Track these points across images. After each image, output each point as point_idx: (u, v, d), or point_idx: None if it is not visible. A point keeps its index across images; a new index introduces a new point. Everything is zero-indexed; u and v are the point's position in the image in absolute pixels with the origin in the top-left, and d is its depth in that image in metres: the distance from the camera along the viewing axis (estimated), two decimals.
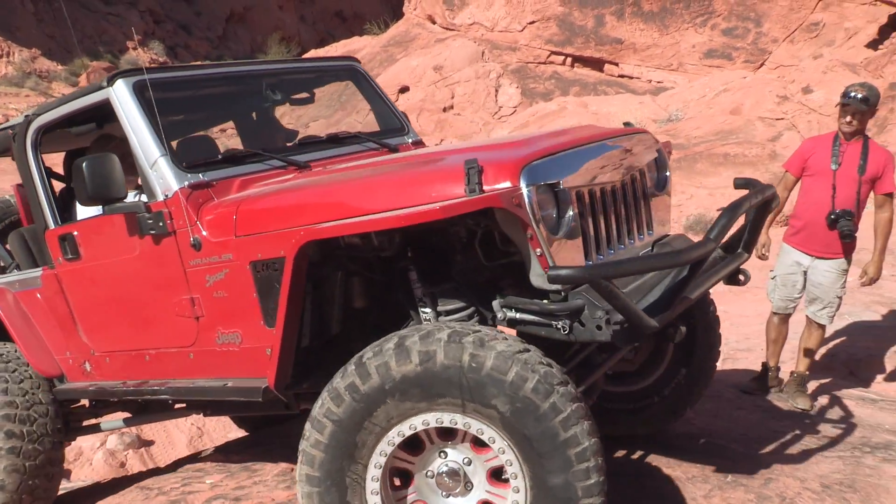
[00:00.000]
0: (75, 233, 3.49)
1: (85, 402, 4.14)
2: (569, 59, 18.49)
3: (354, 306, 2.99)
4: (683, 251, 2.47)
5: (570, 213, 2.57)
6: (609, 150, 2.98)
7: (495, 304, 2.71)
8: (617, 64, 17.72)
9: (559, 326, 2.54)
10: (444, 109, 17.08)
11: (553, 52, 18.52)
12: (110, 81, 3.23)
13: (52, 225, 3.59)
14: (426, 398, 2.35)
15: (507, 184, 2.47)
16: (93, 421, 4.27)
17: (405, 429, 2.41)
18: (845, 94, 4.36)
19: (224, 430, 5.83)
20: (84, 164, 3.01)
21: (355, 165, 3.32)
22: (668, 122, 13.41)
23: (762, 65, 15.94)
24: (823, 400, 4.52)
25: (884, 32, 12.97)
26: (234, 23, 38.25)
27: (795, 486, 3.27)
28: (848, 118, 4.33)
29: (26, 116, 3.66)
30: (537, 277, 2.54)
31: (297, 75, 4.23)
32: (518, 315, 2.66)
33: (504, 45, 18.69)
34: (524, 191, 2.46)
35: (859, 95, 4.29)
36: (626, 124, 3.57)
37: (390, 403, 2.38)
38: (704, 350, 3.52)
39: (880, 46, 12.89)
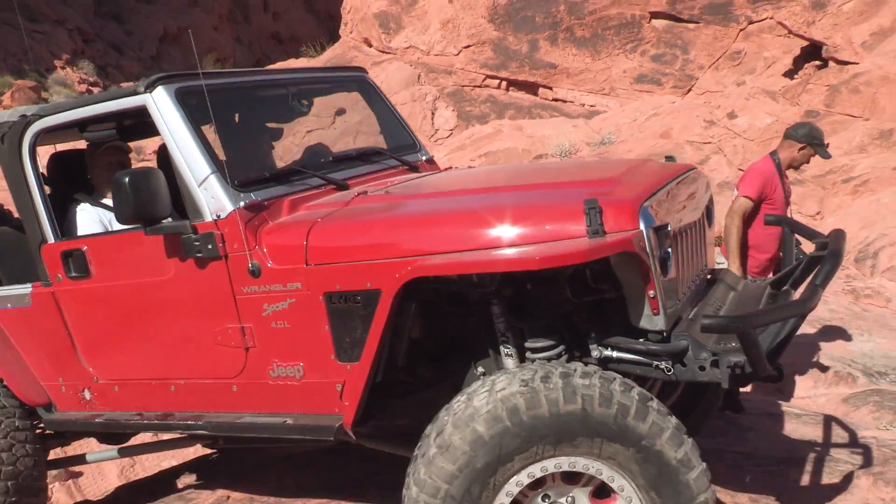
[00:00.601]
0: (84, 248, 3.18)
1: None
2: (504, 83, 18.75)
3: (411, 336, 2.84)
4: (808, 300, 2.49)
5: (671, 253, 2.57)
6: (690, 187, 2.98)
7: (592, 342, 2.68)
8: (551, 88, 18.06)
9: (663, 367, 2.56)
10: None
11: (488, 76, 18.75)
12: (149, 87, 2.97)
13: (50, 239, 3.27)
14: (569, 441, 2.28)
15: (630, 226, 2.46)
16: (63, 452, 4.09)
17: (536, 471, 2.34)
18: (822, 142, 4.75)
19: (157, 458, 5.67)
20: (127, 180, 2.77)
21: (428, 191, 3.14)
22: (601, 145, 13.72)
23: (690, 90, 16.47)
24: (750, 414, 4.66)
25: (798, 63, 13.60)
26: (168, 43, 37.63)
27: (727, 500, 3.36)
28: (809, 160, 4.78)
29: (23, 116, 3.29)
30: (645, 318, 2.53)
31: (314, 85, 4.01)
32: (616, 354, 2.64)
33: (440, 68, 18.87)
34: (644, 232, 2.46)
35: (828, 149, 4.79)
36: (669, 159, 3.47)
37: (533, 444, 2.29)
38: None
39: (796, 76, 13.49)
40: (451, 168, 3.90)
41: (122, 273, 3.13)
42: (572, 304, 2.74)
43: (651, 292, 2.51)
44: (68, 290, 3.27)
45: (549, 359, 2.65)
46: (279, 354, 2.88)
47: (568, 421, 2.26)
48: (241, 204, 2.86)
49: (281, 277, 2.78)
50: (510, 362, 2.76)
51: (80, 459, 3.91)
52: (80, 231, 3.41)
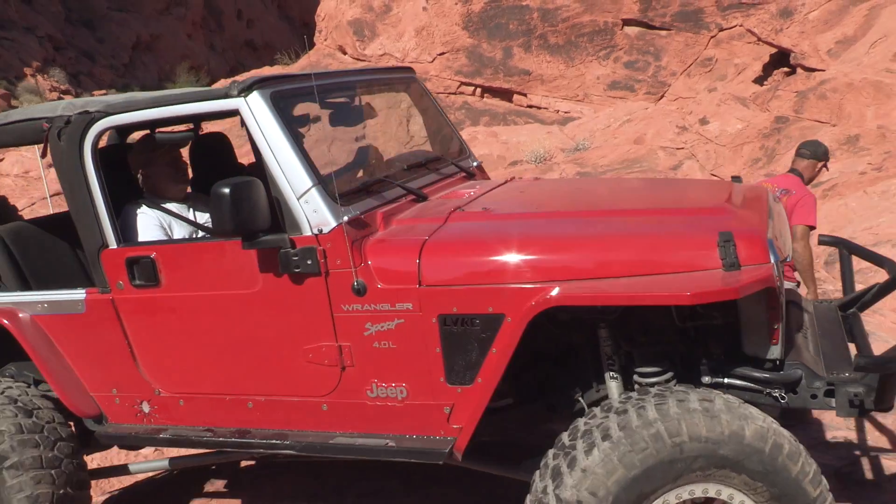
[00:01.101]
0: (153, 255, 3.03)
1: None
2: (478, 90, 18.84)
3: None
4: None
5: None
6: (777, 211, 2.97)
7: (704, 368, 2.67)
8: (525, 94, 18.18)
9: (776, 395, 2.60)
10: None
11: (463, 83, 18.83)
12: (244, 91, 2.82)
13: (113, 244, 3.10)
14: (712, 467, 2.25)
15: (762, 259, 2.46)
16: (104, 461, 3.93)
17: (683, 493, 2.30)
18: (829, 155, 5.44)
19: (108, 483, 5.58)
20: (228, 191, 2.61)
21: (531, 209, 3.05)
22: (575, 151, 13.83)
23: (662, 96, 16.66)
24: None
25: (767, 70, 13.83)
26: (141, 51, 37.35)
27: None
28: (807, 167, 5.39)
29: (86, 112, 3.08)
30: (761, 347, 2.56)
31: (374, 86, 3.89)
32: (727, 380, 2.66)
33: None
34: (773, 266, 2.47)
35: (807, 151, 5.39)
36: (735, 179, 3.42)
37: (679, 468, 2.25)
38: None
39: (765, 82, 13.71)
40: (513, 179, 3.75)
41: (198, 283, 2.99)
42: (677, 329, 2.74)
43: (776, 324, 2.53)
44: (131, 299, 3.12)
45: (658, 384, 2.64)
46: (380, 375, 2.79)
47: (723, 449, 2.25)
48: (346, 219, 2.76)
49: (390, 297, 2.70)
50: (614, 385, 2.75)
51: (123, 470, 3.75)
52: (142, 236, 3.28)
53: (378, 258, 2.73)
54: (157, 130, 3.66)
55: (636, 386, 2.74)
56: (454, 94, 19.01)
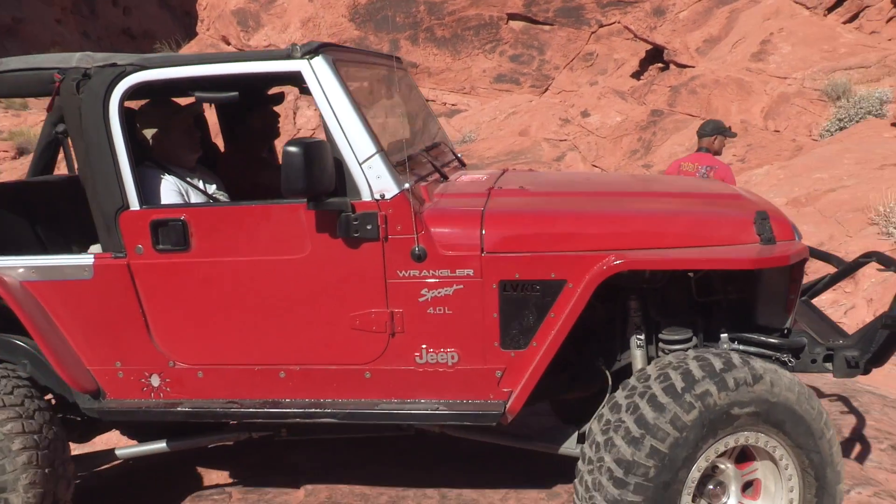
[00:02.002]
0: (183, 218, 2.86)
1: None
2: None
3: None
4: None
5: None
6: None
7: (723, 336, 2.86)
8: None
9: (785, 359, 2.84)
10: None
11: None
12: (309, 53, 2.77)
13: (136, 206, 2.90)
14: (762, 420, 2.51)
15: (791, 236, 2.77)
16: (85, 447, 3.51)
17: (731, 441, 2.53)
18: (727, 128, 6.19)
19: None
20: (302, 150, 2.56)
21: (571, 189, 3.27)
22: (463, 143, 14.06)
23: (546, 90, 17.15)
24: None
25: (644, 65, 14.50)
26: (4, 36, 35.06)
27: None
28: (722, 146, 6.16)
29: (114, 64, 2.89)
30: (776, 317, 2.85)
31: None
32: (742, 347, 2.86)
33: None
34: (800, 242, 2.79)
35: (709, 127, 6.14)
36: None
37: (738, 419, 2.49)
38: None
39: (642, 77, 14.38)
40: (508, 170, 3.80)
41: (235, 248, 2.87)
42: (695, 304, 2.95)
43: (793, 295, 2.81)
44: (152, 264, 2.92)
45: (683, 350, 2.84)
46: (431, 340, 2.81)
47: (761, 401, 2.50)
48: (406, 186, 2.76)
49: (451, 263, 2.74)
50: (639, 354, 2.93)
51: (109, 456, 3.46)
52: (163, 201, 3.11)
53: (439, 226, 2.77)
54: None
55: (660, 353, 2.95)
56: None
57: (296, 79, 2.90)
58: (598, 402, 2.92)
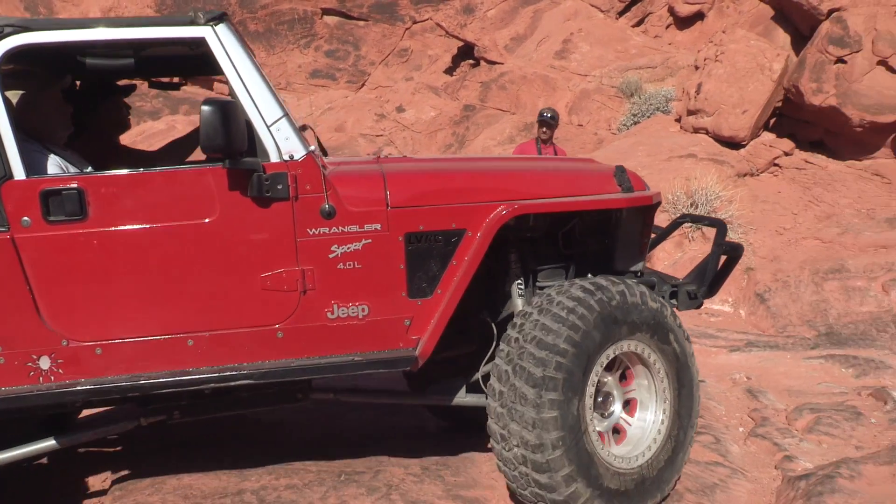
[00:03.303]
0: (75, 186, 2.71)
1: None
2: (175, 78, 17.94)
3: None
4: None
5: None
6: None
7: (589, 277, 3.20)
8: (226, 82, 17.68)
9: None
10: None
11: None
12: (213, 20, 2.78)
13: (21, 175, 2.70)
14: (633, 328, 2.99)
15: (643, 188, 3.31)
16: None
17: (612, 352, 2.97)
18: (541, 115, 6.78)
19: None
20: (218, 108, 2.59)
21: (456, 157, 3.89)
22: None
23: (363, 85, 17.17)
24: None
25: (456, 61, 14.92)
26: None
27: (400, 473, 3.64)
28: (544, 129, 6.73)
29: None
30: (633, 261, 3.40)
31: None
32: None
33: None
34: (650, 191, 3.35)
35: (549, 115, 6.76)
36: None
37: (621, 327, 2.95)
38: None
39: (455, 73, 14.80)
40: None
41: (140, 215, 2.77)
42: (563, 254, 3.40)
43: (646, 238, 3.36)
44: (41, 237, 2.72)
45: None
46: (341, 295, 2.91)
47: (634, 312, 2.97)
48: (312, 148, 2.88)
49: (359, 219, 2.88)
50: (520, 300, 3.26)
51: None
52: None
53: (345, 185, 2.91)
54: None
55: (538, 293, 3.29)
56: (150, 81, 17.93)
57: (198, 44, 2.87)
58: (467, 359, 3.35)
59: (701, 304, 3.53)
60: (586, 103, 11.96)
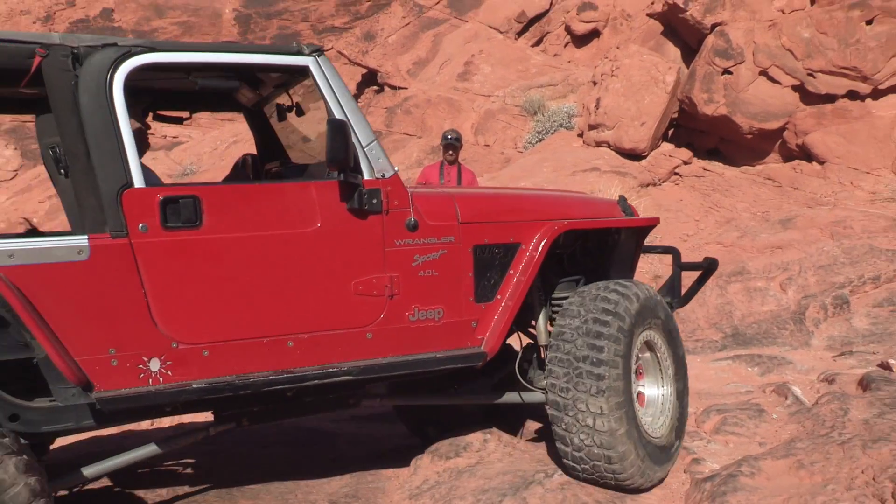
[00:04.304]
0: (192, 195, 2.88)
1: None
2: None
3: None
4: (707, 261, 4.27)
5: None
6: None
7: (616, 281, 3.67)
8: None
9: None
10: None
11: None
12: (316, 52, 3.10)
13: (139, 183, 2.84)
14: (653, 318, 3.56)
15: (637, 214, 4.07)
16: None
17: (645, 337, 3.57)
18: (445, 137, 6.77)
19: None
20: (342, 128, 2.92)
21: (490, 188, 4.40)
22: (184, 176, 13.45)
23: None
24: (343, 422, 4.98)
25: (360, 88, 14.93)
26: None
27: None
28: (449, 151, 6.69)
29: (114, 45, 2.86)
30: (628, 273, 3.99)
31: None
32: None
33: None
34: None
35: (452, 136, 6.75)
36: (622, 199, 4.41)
37: (646, 319, 3.51)
38: None
39: (360, 99, 14.81)
40: None
41: (248, 224, 2.97)
42: (564, 272, 3.85)
43: (637, 256, 4.00)
44: (158, 242, 2.86)
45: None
46: (421, 300, 3.24)
47: (653, 308, 3.55)
48: (397, 169, 3.21)
49: (437, 232, 3.26)
50: (542, 311, 3.76)
51: (76, 478, 3.11)
52: None
53: (423, 202, 3.26)
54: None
55: (552, 306, 3.78)
56: None
57: (302, 73, 3.17)
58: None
59: (673, 311, 4.07)
60: (491, 123, 12.11)
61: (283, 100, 3.70)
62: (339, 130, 2.93)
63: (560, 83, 12.45)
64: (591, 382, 3.26)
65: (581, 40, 13.71)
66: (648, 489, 3.44)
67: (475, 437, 3.95)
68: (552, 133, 11.35)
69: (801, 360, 6.23)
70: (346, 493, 3.74)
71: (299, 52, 3.09)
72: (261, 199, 3.05)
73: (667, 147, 10.49)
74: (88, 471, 3.12)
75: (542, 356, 3.68)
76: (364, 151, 3.13)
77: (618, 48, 10.74)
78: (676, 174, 10.12)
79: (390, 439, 4.62)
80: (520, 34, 13.90)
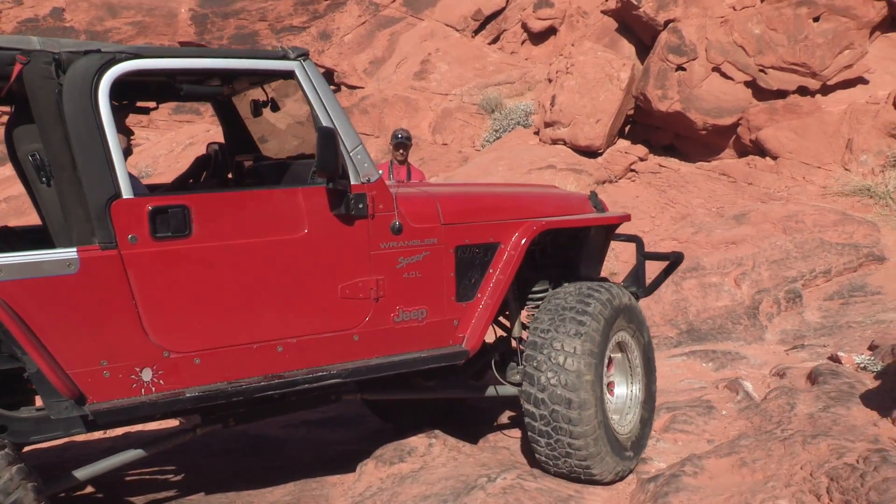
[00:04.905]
0: (180, 204, 2.86)
1: None
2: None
3: None
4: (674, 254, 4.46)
5: None
6: None
7: (565, 284, 3.81)
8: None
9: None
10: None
11: (5, 113, 16.75)
12: (301, 56, 3.12)
13: (129, 194, 2.80)
14: (627, 320, 3.74)
15: (607, 209, 4.23)
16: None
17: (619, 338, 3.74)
18: (395, 136, 6.84)
19: None
20: (332, 136, 2.95)
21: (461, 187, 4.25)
22: (140, 179, 13.20)
23: None
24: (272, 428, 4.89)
25: None
26: None
27: None
28: (400, 151, 6.77)
29: (99, 51, 2.80)
30: (595, 269, 4.17)
31: None
32: None
33: None
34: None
35: (402, 136, 6.84)
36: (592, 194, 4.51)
37: (617, 319, 3.64)
38: None
39: None
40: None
41: (238, 231, 2.98)
42: (536, 266, 3.97)
43: (605, 251, 4.19)
44: (147, 253, 2.84)
45: (542, 296, 3.82)
46: (405, 301, 3.31)
47: (625, 309, 3.71)
48: (381, 173, 3.23)
49: (420, 234, 3.32)
50: (514, 304, 3.88)
51: (69, 481, 3.10)
52: None
53: (406, 204, 3.31)
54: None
55: (527, 302, 3.94)
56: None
57: (287, 76, 3.17)
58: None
59: (638, 300, 4.22)
60: (449, 122, 12.05)
61: (258, 94, 3.70)
62: (328, 139, 2.95)
63: (517, 80, 12.43)
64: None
65: (538, 38, 13.71)
66: (597, 475, 3.51)
67: (420, 442, 3.90)
68: (510, 131, 11.33)
69: (754, 354, 6.27)
70: (288, 501, 3.66)
71: (285, 57, 3.11)
72: (248, 207, 3.05)
73: (623, 144, 10.53)
74: (80, 473, 3.13)
75: (517, 349, 3.81)
76: (350, 157, 3.15)
77: (573, 45, 10.74)
78: (632, 171, 10.15)
79: (340, 444, 4.54)
80: (476, 32, 13.87)
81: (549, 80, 10.74)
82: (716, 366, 6.01)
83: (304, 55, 3.16)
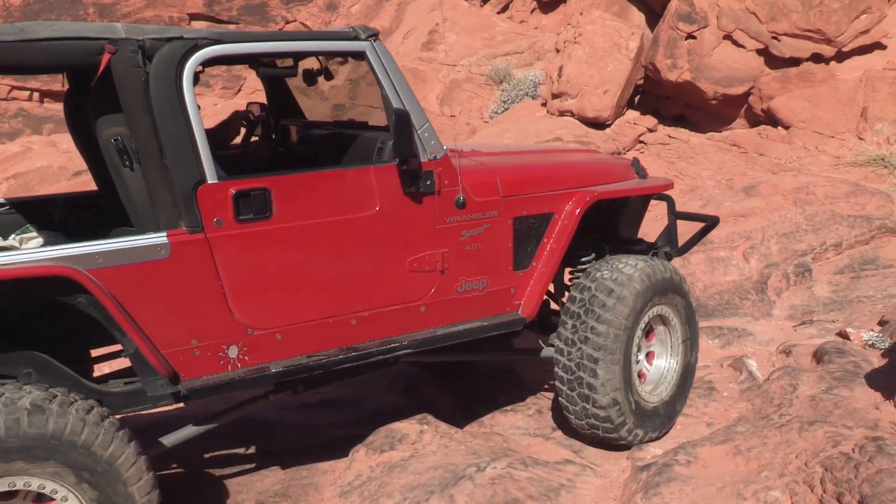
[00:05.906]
0: (262, 187, 2.96)
1: None
2: (36, 94, 16.90)
3: None
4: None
5: None
6: None
7: (606, 249, 4.11)
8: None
9: (665, 253, 4.39)
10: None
11: (15, 87, 16.73)
12: (371, 37, 3.20)
13: (214, 179, 2.87)
14: (667, 291, 3.87)
15: (648, 175, 4.37)
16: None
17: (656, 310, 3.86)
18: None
19: None
20: (408, 118, 3.05)
21: (521, 155, 4.31)
22: None
23: (239, 91, 16.61)
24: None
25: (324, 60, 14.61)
26: None
27: None
28: None
29: (182, 38, 2.85)
30: (635, 230, 4.38)
31: None
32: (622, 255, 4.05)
33: None
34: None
35: None
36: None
37: (656, 294, 3.80)
38: None
39: None
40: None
41: (315, 211, 3.10)
42: (579, 230, 3.94)
43: (642, 214, 4.36)
44: (232, 235, 2.95)
45: (588, 264, 4.00)
46: (467, 272, 3.49)
47: (666, 284, 3.86)
48: (446, 148, 3.34)
49: (482, 207, 3.47)
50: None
51: (158, 447, 3.24)
52: None
53: (468, 179, 3.42)
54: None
55: (572, 268, 4.10)
56: (5, 100, 16.80)
57: (359, 57, 3.27)
58: None
59: (671, 260, 4.38)
60: (457, 93, 11.87)
61: (311, 63, 3.92)
62: (404, 122, 3.05)
63: (526, 51, 12.19)
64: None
65: (548, 6, 13.42)
66: (619, 440, 3.76)
67: (412, 428, 3.86)
68: (518, 102, 11.14)
69: (761, 331, 6.17)
70: (276, 491, 3.64)
71: (356, 38, 3.21)
72: (324, 186, 3.17)
73: (632, 115, 10.31)
74: (167, 440, 3.30)
75: (558, 312, 4.01)
76: (418, 135, 3.26)
77: (581, 14, 10.50)
78: (641, 142, 9.96)
79: (335, 427, 4.51)
80: (485, 1, 13.60)
81: (557, 51, 10.52)
82: (722, 343, 5.92)
83: (373, 35, 3.26)
